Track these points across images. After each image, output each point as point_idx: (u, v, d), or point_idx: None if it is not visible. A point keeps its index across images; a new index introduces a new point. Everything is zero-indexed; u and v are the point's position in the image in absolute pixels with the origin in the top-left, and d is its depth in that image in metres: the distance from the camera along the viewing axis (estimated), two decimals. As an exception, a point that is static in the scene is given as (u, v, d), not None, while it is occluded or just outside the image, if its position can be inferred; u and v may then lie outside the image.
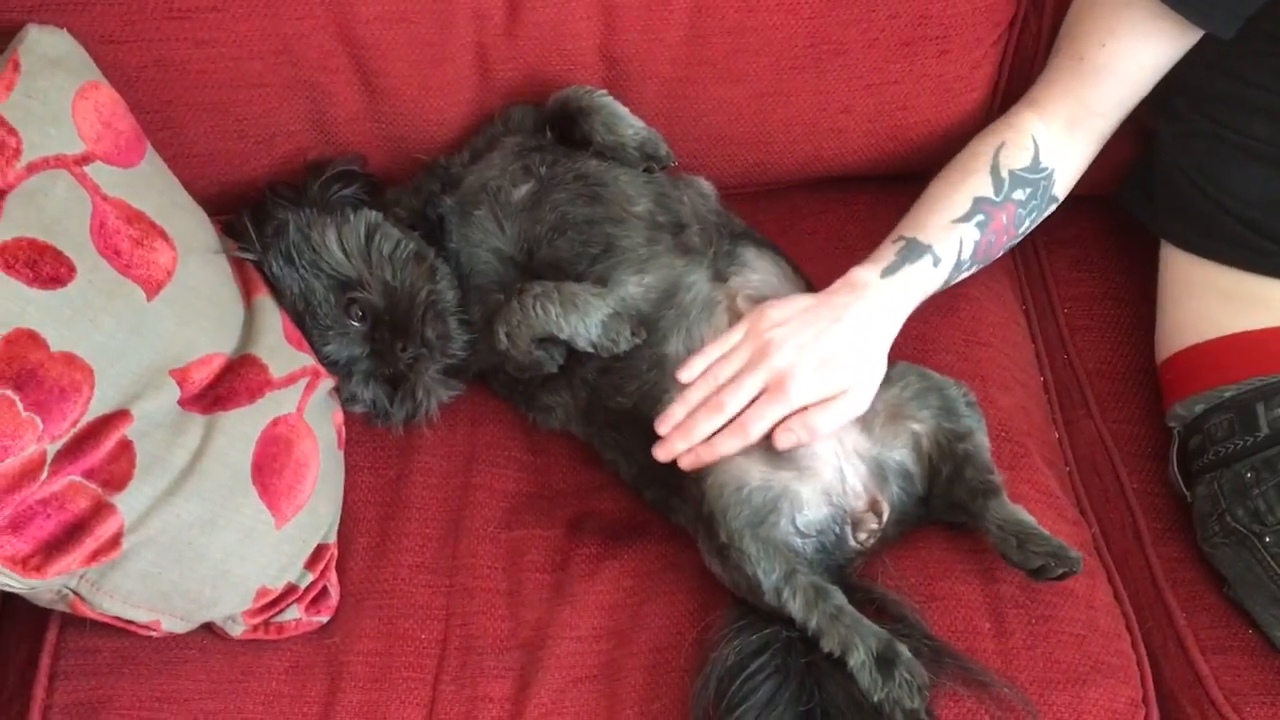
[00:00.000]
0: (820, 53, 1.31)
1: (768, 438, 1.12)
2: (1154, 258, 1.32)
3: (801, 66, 1.31)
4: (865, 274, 1.17)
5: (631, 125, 1.25)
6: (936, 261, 1.19)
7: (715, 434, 1.11)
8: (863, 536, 1.14)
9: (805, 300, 1.16)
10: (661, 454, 1.12)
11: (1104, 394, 1.35)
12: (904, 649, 1.05)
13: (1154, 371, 1.32)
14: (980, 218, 1.21)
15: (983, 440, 1.17)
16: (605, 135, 1.25)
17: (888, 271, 1.17)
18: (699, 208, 1.26)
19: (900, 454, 1.16)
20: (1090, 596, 1.16)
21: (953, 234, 1.20)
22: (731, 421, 1.11)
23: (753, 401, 1.11)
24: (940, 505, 1.17)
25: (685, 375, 1.13)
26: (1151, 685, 1.13)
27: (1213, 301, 1.24)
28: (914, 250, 1.18)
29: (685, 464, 1.11)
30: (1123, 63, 1.20)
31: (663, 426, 1.12)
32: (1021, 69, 1.35)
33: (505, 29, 1.26)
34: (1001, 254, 1.27)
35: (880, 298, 1.16)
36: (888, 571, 1.15)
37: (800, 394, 1.10)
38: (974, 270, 1.25)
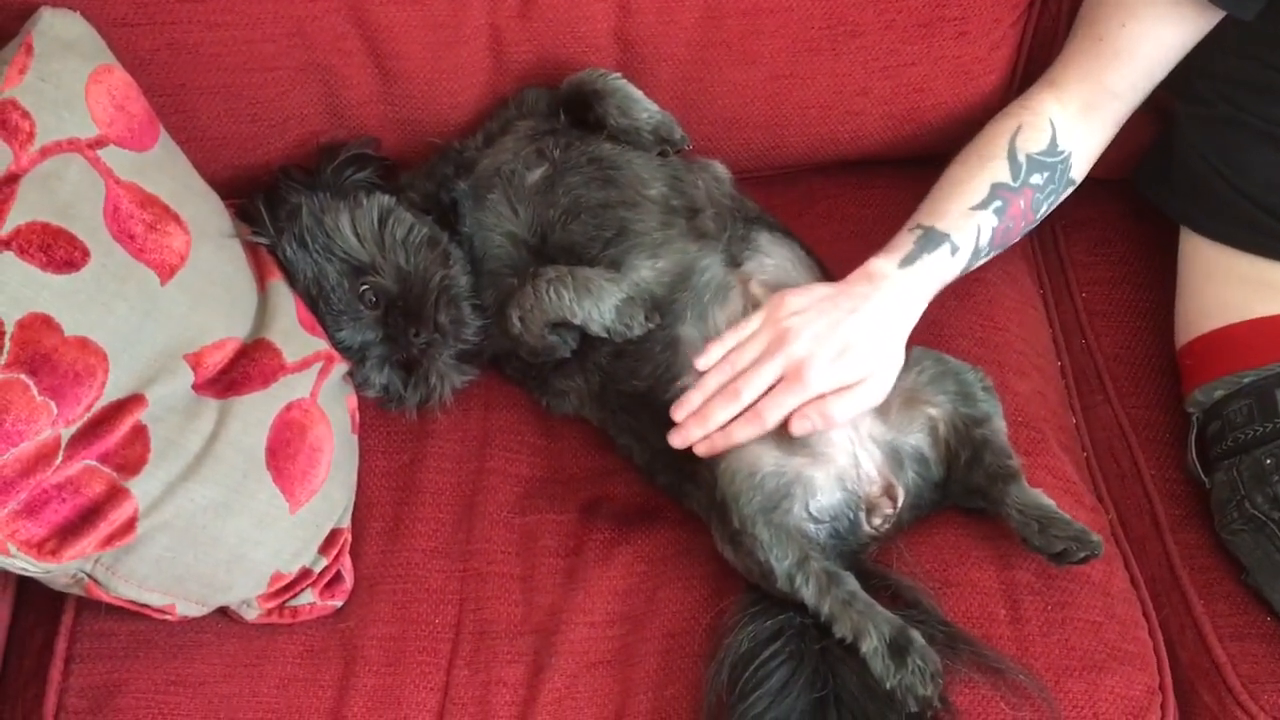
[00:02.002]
0: (837, 34, 1.30)
1: (783, 425, 1.12)
2: (1173, 241, 1.31)
3: (818, 49, 1.30)
4: (883, 264, 1.16)
5: (646, 108, 1.25)
6: (955, 250, 1.18)
7: (731, 421, 1.11)
8: (877, 522, 1.14)
9: (824, 289, 1.15)
10: (677, 441, 1.12)
11: (1122, 379, 1.34)
12: (917, 635, 1.05)
13: (1172, 357, 1.31)
14: (998, 204, 1.20)
15: (1000, 425, 1.17)
16: (619, 119, 1.24)
17: (906, 261, 1.16)
18: (713, 191, 1.25)
19: (916, 439, 1.15)
20: (1107, 583, 1.15)
21: (970, 221, 1.19)
22: (748, 409, 1.11)
23: (770, 389, 1.11)
24: (959, 490, 1.16)
25: (703, 363, 1.13)
26: (1168, 672, 1.13)
27: (1232, 287, 1.23)
28: (932, 239, 1.18)
29: (701, 451, 1.11)
30: (1142, 45, 1.19)
31: (679, 413, 1.12)
32: (1040, 51, 1.34)
33: (519, 11, 1.26)
34: (1019, 238, 1.26)
35: (898, 288, 1.15)
36: (903, 558, 1.15)
37: (818, 382, 1.10)
38: (991, 255, 1.24)
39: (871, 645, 1.04)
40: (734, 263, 1.20)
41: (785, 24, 1.29)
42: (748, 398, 1.10)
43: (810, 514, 1.11)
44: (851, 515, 1.12)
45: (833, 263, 1.24)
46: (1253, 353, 1.21)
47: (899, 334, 1.14)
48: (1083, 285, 1.41)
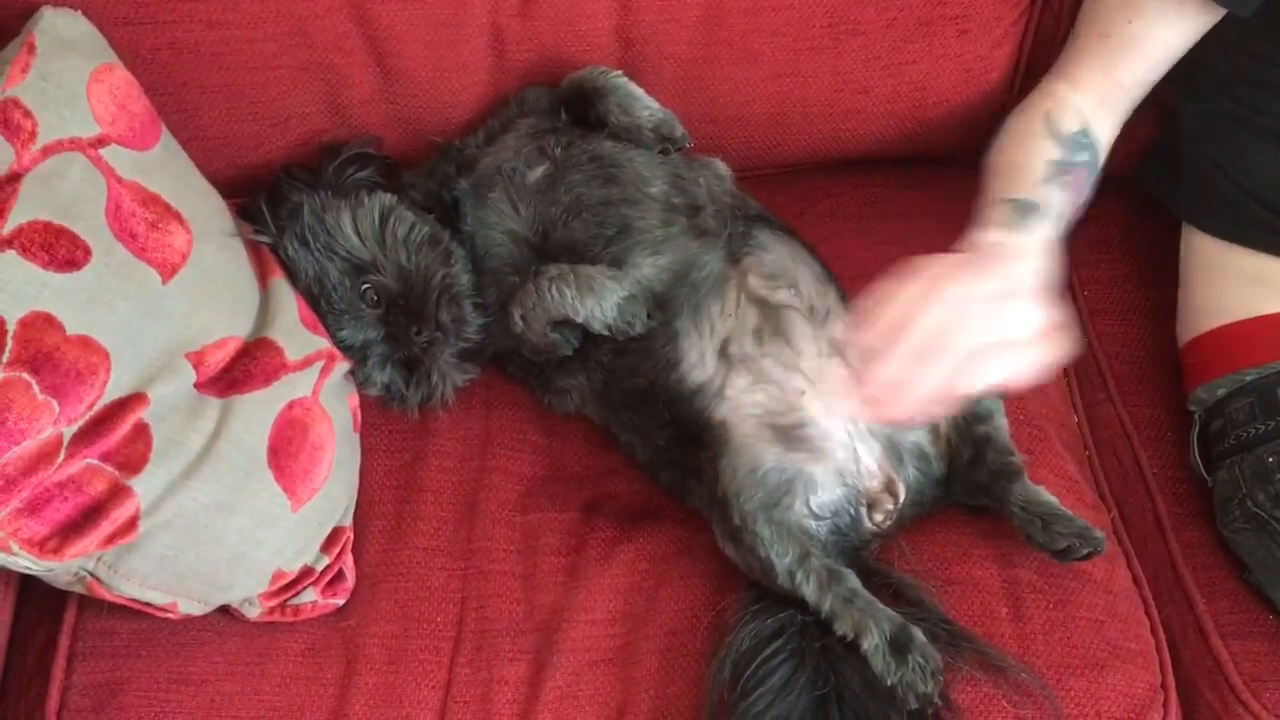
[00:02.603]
0: (838, 33, 1.29)
1: (781, 425, 1.11)
2: (1175, 239, 1.31)
3: (819, 47, 1.30)
4: (989, 236, 1.07)
5: (647, 106, 1.25)
6: (1046, 214, 1.10)
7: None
8: (878, 518, 1.14)
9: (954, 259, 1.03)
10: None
11: (1124, 378, 1.34)
12: (918, 633, 1.05)
13: (1175, 355, 1.31)
14: (1063, 178, 1.14)
15: (1002, 422, 1.17)
16: (620, 117, 1.24)
17: (1008, 228, 1.08)
18: (714, 189, 1.25)
19: (916, 435, 1.15)
20: (1109, 581, 1.15)
21: (1046, 191, 1.12)
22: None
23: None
24: (961, 488, 1.16)
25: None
26: (1170, 671, 1.13)
27: (1235, 284, 1.23)
28: (1024, 206, 1.10)
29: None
30: (1149, 40, 1.19)
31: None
32: (1042, 49, 1.34)
33: (520, 10, 1.26)
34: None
35: (1020, 251, 1.06)
36: (905, 555, 1.15)
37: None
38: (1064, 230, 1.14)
39: (872, 642, 1.04)
40: (733, 259, 1.20)
41: (786, 22, 1.28)
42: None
43: (811, 510, 1.11)
44: (853, 511, 1.12)
45: (834, 259, 1.24)
46: (1255, 350, 1.21)
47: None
48: (1085, 283, 1.41)
